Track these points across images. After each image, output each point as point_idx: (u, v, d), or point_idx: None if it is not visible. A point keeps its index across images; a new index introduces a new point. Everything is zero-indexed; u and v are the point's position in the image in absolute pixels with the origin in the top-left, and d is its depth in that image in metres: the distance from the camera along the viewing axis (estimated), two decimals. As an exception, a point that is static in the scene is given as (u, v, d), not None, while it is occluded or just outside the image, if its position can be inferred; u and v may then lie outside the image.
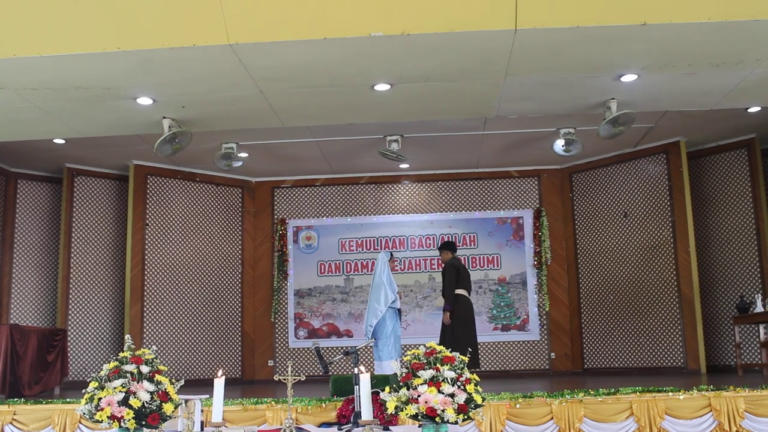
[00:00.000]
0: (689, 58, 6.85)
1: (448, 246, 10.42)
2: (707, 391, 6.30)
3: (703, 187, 12.37)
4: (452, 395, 3.76)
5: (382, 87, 7.45)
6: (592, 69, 7.14)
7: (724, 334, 11.87)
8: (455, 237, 13.34)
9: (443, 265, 10.21)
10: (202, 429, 4.64)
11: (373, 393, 3.95)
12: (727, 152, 12.16)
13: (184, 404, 4.43)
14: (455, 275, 9.90)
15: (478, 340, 10.22)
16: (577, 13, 5.97)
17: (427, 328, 12.83)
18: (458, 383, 3.82)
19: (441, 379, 3.82)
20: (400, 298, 9.73)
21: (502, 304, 13.31)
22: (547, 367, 13.07)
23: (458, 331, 9.69)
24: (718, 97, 8.06)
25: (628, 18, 5.98)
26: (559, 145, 10.86)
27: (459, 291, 9.90)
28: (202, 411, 4.68)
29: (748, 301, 10.89)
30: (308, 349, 13.14)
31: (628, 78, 7.38)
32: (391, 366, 9.12)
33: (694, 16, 5.94)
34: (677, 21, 5.98)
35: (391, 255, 9.84)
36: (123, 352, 4.15)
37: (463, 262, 10.69)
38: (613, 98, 8.09)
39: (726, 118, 10.70)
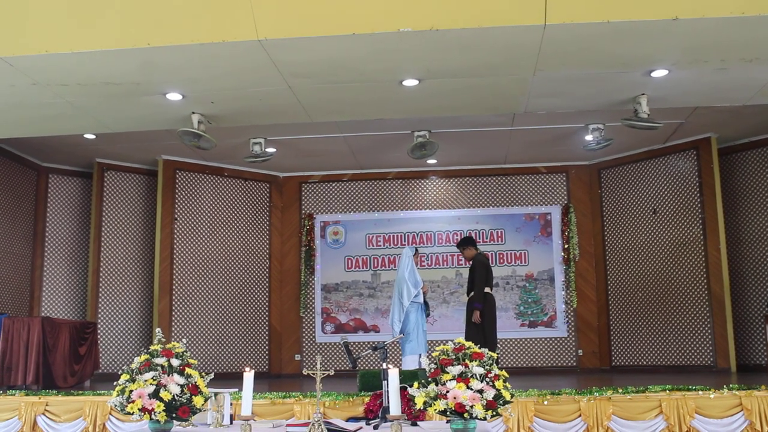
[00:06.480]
0: (721, 53, 6.76)
1: (470, 242, 10.05)
2: (738, 390, 6.24)
3: (734, 184, 12.22)
4: (481, 391, 3.75)
5: (410, 82, 7.44)
6: (622, 64, 7.07)
7: (754, 333, 11.73)
8: (482, 233, 13.31)
9: (470, 261, 9.89)
10: (231, 422, 4.67)
11: (401, 388, 3.95)
12: (758, 148, 12.00)
13: (213, 397, 4.46)
14: (485, 273, 9.66)
15: (504, 337, 10.11)
16: (607, 8, 5.92)
17: (454, 324, 12.80)
18: (487, 379, 3.81)
19: (470, 375, 3.81)
20: (427, 293, 9.61)
21: (529, 300, 13.25)
22: (575, 364, 13.00)
23: (487, 328, 9.57)
24: (751, 92, 7.95)
25: (660, 13, 5.91)
26: (592, 141, 10.72)
27: (486, 289, 9.77)
28: (231, 404, 4.72)
29: (779, 300, 10.77)
30: (335, 344, 13.18)
31: (659, 73, 7.29)
32: (413, 361, 9.06)
33: (726, 11, 5.87)
34: (709, 15, 5.90)
35: (416, 250, 9.70)
36: (153, 345, 4.19)
37: (488, 258, 10.44)
38: (643, 94, 8.01)
39: (758, 113, 10.56)
